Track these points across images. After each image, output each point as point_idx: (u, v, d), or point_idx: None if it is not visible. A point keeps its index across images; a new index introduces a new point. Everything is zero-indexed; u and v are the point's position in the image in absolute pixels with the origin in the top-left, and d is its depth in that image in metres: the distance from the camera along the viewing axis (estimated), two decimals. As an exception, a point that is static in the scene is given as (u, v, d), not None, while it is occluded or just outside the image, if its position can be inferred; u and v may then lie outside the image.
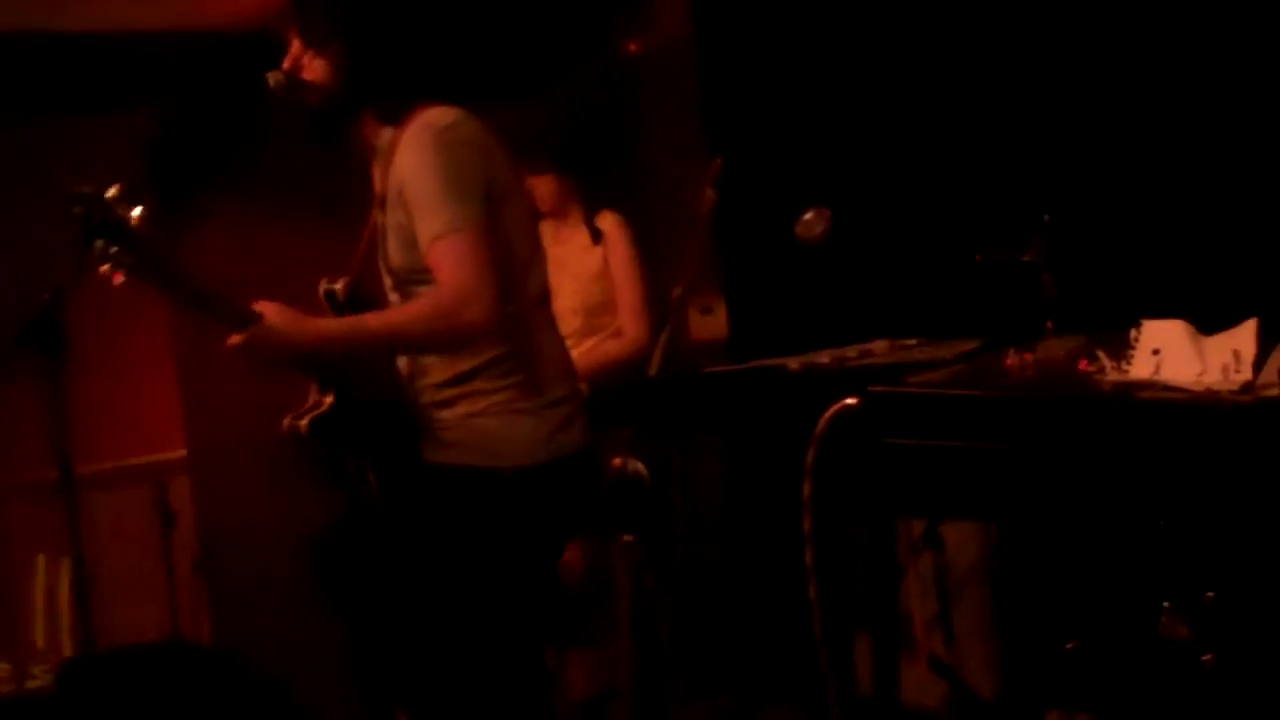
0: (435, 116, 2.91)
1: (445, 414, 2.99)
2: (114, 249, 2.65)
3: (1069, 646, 3.10)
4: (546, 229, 4.79)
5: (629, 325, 4.61)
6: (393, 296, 3.04)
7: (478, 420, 2.96)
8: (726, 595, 4.26)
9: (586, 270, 4.66)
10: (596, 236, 4.60)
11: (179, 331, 5.37)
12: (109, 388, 5.11)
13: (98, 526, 5.00)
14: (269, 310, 2.83)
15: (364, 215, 3.30)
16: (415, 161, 2.87)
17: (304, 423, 2.95)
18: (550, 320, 3.09)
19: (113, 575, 5.05)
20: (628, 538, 3.47)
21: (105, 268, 2.67)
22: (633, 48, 5.33)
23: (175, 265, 2.76)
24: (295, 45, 2.96)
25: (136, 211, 2.66)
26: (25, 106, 4.99)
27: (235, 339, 2.83)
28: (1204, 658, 2.32)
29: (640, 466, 3.64)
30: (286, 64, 2.96)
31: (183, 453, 5.43)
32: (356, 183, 3.45)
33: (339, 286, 3.05)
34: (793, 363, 3.16)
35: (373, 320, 2.95)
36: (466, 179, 2.86)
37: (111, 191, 2.66)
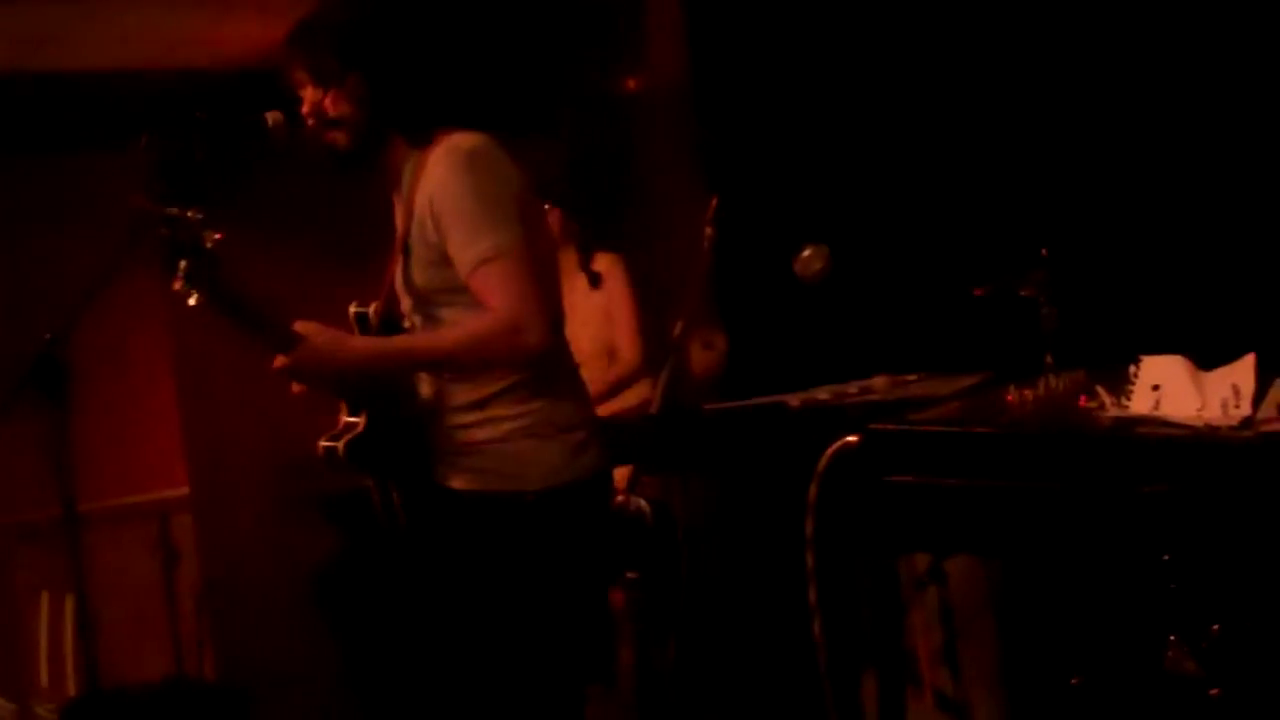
0: (462, 140, 2.93)
1: (467, 439, 2.99)
2: (195, 271, 2.71)
3: (1074, 681, 3.09)
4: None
5: (623, 347, 4.65)
6: (415, 317, 3.04)
7: (500, 445, 2.97)
8: (730, 632, 4.24)
9: (596, 315, 4.69)
10: (595, 280, 4.62)
11: (181, 370, 5.39)
12: (111, 426, 5.12)
13: (101, 564, 5.00)
14: (310, 330, 2.87)
15: (367, 244, 3.32)
16: (449, 182, 2.88)
17: (342, 444, 2.96)
18: (566, 345, 3.10)
19: (116, 613, 5.04)
20: (631, 574, 3.48)
21: (181, 287, 2.73)
22: (630, 86, 5.35)
23: (238, 288, 2.79)
24: (309, 90, 2.97)
25: (215, 236, 2.74)
26: (20, 146, 5.02)
27: (281, 360, 2.86)
28: (1211, 691, 2.32)
29: (643, 503, 3.65)
30: (306, 109, 2.96)
31: (185, 490, 5.43)
32: (356, 214, 3.47)
33: (370, 309, 3.06)
34: (793, 399, 3.16)
35: (423, 340, 2.97)
36: (504, 201, 2.88)
37: (196, 214, 2.73)
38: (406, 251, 2.98)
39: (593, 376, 4.66)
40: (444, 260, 2.90)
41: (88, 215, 4.78)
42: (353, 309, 3.05)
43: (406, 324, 3.06)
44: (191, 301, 2.74)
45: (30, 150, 5.05)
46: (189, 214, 2.75)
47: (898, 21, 4.23)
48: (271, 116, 2.97)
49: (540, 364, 2.95)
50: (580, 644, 3.09)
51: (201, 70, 5.14)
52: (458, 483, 3.00)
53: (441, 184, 2.89)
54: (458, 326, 2.93)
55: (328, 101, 2.95)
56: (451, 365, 2.97)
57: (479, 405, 2.98)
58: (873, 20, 4.30)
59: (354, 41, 2.96)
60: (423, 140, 2.99)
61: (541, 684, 3.00)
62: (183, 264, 2.71)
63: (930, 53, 4.13)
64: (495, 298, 2.84)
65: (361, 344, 2.97)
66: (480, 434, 2.98)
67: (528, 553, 2.95)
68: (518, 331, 2.83)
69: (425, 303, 2.99)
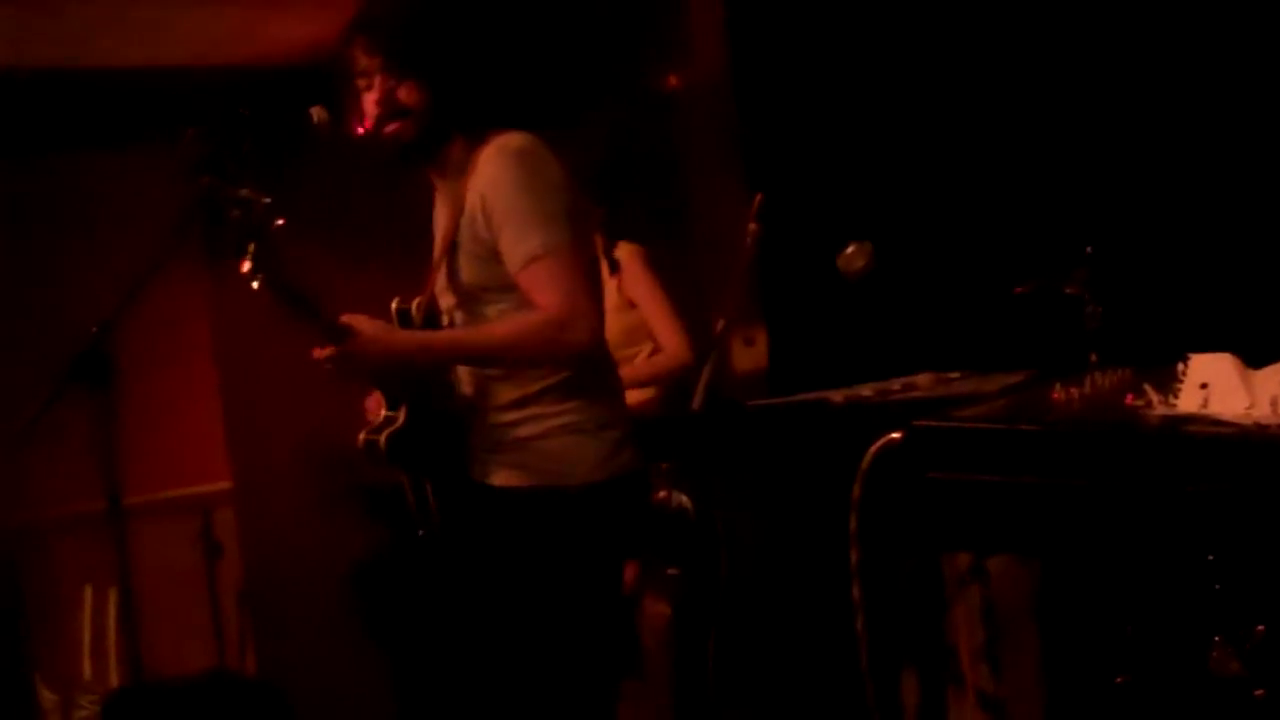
0: (512, 139, 2.95)
1: (509, 435, 3.00)
2: (262, 254, 2.74)
3: (1118, 681, 3.07)
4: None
5: (668, 341, 4.62)
6: (457, 314, 3.04)
7: (542, 442, 2.98)
8: (771, 629, 4.23)
9: (612, 303, 4.68)
10: (614, 267, 4.62)
11: (224, 364, 5.41)
12: (155, 420, 5.14)
13: (144, 558, 5.01)
14: (357, 322, 2.89)
15: (406, 241, 3.33)
16: (501, 180, 2.90)
17: (383, 438, 2.97)
18: (605, 343, 3.11)
19: (159, 606, 5.07)
20: (672, 570, 3.48)
21: (249, 269, 2.74)
22: (673, 82, 5.35)
23: (292, 276, 2.81)
24: (379, 78, 2.97)
25: (279, 221, 2.78)
26: (64, 143, 5.05)
27: (327, 350, 2.87)
28: (1256, 692, 2.30)
29: (685, 500, 3.64)
30: (375, 96, 2.97)
31: (228, 484, 5.46)
32: (397, 210, 3.48)
33: (413, 305, 3.08)
34: (836, 396, 3.15)
35: (472, 334, 3.00)
36: (554, 200, 2.91)
37: (264, 198, 2.76)
38: (454, 248, 2.99)
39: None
40: (494, 257, 2.91)
41: (132, 211, 4.82)
42: (395, 304, 3.07)
43: (446, 320, 3.08)
44: (255, 285, 2.76)
45: (75, 147, 5.08)
46: (259, 197, 2.78)
47: (940, 17, 4.21)
48: (316, 112, 2.98)
49: (582, 362, 2.96)
50: (616, 637, 3.10)
51: (246, 66, 5.16)
52: (499, 479, 3.00)
53: (494, 182, 2.90)
54: (506, 321, 2.94)
55: (401, 91, 2.96)
56: (499, 359, 2.99)
57: (521, 403, 2.99)
58: (915, 16, 4.29)
59: (426, 35, 2.98)
60: (477, 138, 3.00)
61: (581, 677, 3.02)
62: (251, 246, 2.74)
63: (973, 48, 4.11)
64: (544, 295, 2.86)
65: (409, 336, 2.99)
66: (523, 431, 2.98)
67: (568, 547, 2.97)
68: (565, 328, 2.85)
69: (471, 299, 3.00)
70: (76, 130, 5.04)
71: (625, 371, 4.65)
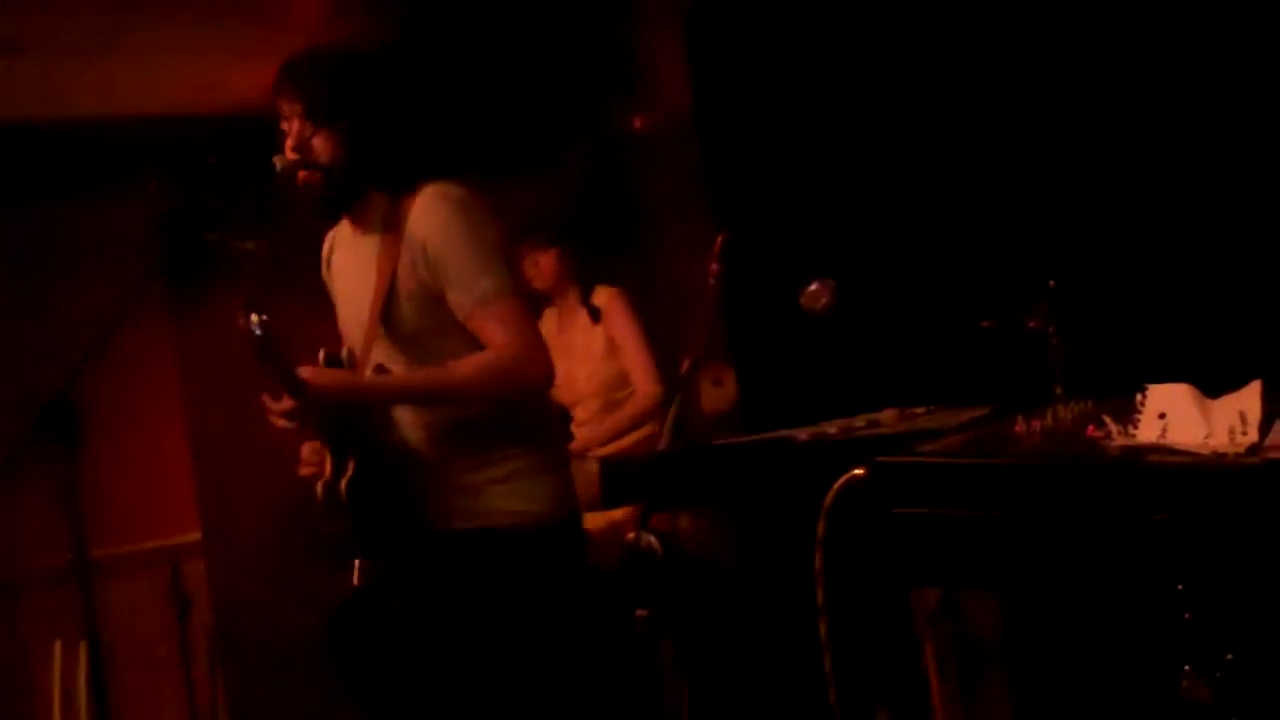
0: (452, 190, 2.98)
1: (463, 481, 3.01)
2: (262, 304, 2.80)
3: (1089, 713, 3.08)
4: (550, 318, 4.86)
5: (640, 382, 4.66)
6: (397, 360, 3.04)
7: (498, 486, 2.99)
8: (743, 669, 4.23)
9: (594, 352, 4.71)
10: (595, 315, 4.64)
11: (193, 415, 5.40)
12: (122, 472, 5.12)
13: (114, 611, 4.99)
14: (310, 374, 2.90)
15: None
16: (445, 228, 2.94)
17: (342, 484, 2.96)
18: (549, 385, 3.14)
19: (130, 659, 5.04)
20: (642, 612, 3.45)
21: (257, 321, 2.79)
22: (637, 124, 5.37)
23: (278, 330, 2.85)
24: (297, 124, 2.99)
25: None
26: (31, 195, 5.05)
27: (285, 404, 2.88)
28: (1227, 721, 2.30)
29: (654, 540, 3.63)
30: (291, 142, 2.98)
31: (197, 536, 5.43)
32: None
33: (343, 353, 3.08)
34: (801, 434, 3.15)
35: (435, 374, 3.00)
36: (496, 246, 2.98)
37: (260, 246, 2.80)
38: (391, 296, 2.99)
39: (588, 413, 4.69)
40: (439, 302, 2.94)
41: (97, 263, 4.82)
42: (323, 353, 3.07)
43: (373, 368, 3.05)
44: (259, 334, 2.78)
45: (41, 199, 5.08)
46: (263, 247, 2.82)
47: (901, 55, 4.24)
48: (279, 160, 2.99)
49: (530, 408, 3.02)
50: (608, 676, 3.11)
51: (213, 115, 5.18)
52: (459, 523, 3.00)
53: (437, 229, 2.93)
54: (467, 361, 2.95)
55: (316, 140, 2.98)
56: (463, 399, 3.00)
57: (474, 448, 3.00)
58: (875, 54, 4.32)
59: (352, 87, 2.99)
60: (403, 190, 3.02)
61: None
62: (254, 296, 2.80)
63: (934, 86, 4.14)
64: (499, 334, 2.90)
65: (375, 381, 3.00)
66: (478, 476, 3.00)
67: (530, 585, 2.97)
68: (525, 364, 2.92)
69: (415, 344, 3.01)
70: (42, 181, 5.05)
71: (608, 422, 4.67)
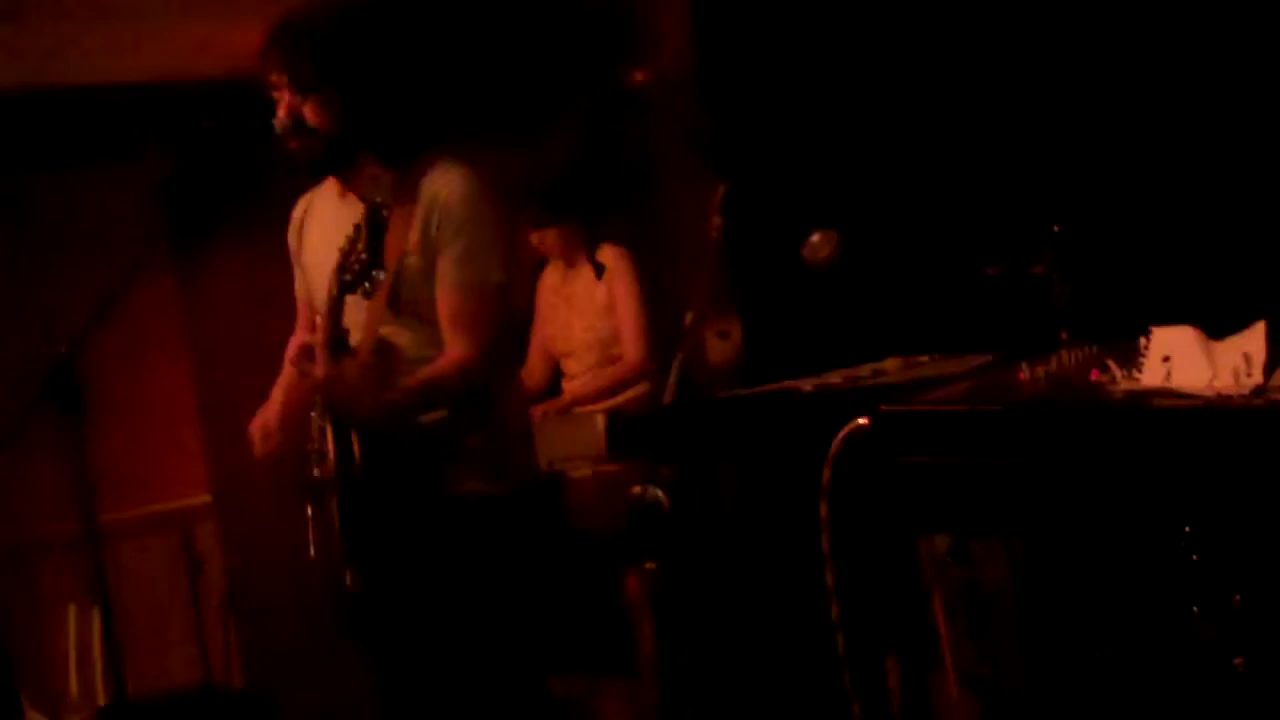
0: (464, 166, 2.97)
1: (463, 444, 3.02)
2: None
3: (1099, 655, 3.09)
4: (557, 270, 4.86)
5: (628, 348, 4.68)
6: (399, 336, 3.04)
7: (483, 450, 3.00)
8: (751, 619, 4.25)
9: (595, 305, 4.72)
10: (600, 271, 4.65)
11: (200, 376, 5.40)
12: (131, 435, 5.14)
13: (126, 575, 5.03)
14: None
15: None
16: (462, 200, 2.96)
17: (356, 452, 2.96)
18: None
19: (143, 622, 5.08)
20: (649, 565, 3.46)
21: None
22: (638, 77, 5.35)
23: None
24: (286, 94, 2.97)
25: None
26: (30, 162, 5.04)
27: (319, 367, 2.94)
28: (1235, 661, 2.31)
29: (659, 493, 3.64)
30: (282, 112, 2.96)
31: (207, 498, 5.45)
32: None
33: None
34: (805, 384, 3.15)
35: (411, 385, 3.03)
36: (501, 236, 3.02)
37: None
38: (401, 271, 2.98)
39: (582, 367, 4.71)
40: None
41: (100, 229, 4.82)
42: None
43: (363, 338, 3.04)
44: None
45: (40, 166, 5.07)
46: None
47: (902, 1, 4.22)
48: (279, 123, 2.98)
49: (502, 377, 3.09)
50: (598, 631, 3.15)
51: (209, 79, 5.16)
52: (462, 487, 3.01)
53: (461, 201, 2.92)
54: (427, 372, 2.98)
55: (305, 109, 2.96)
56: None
57: (466, 411, 3.00)
58: (877, 1, 4.30)
59: (335, 52, 2.96)
60: (402, 162, 3.00)
61: (566, 668, 3.06)
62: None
63: (935, 31, 4.12)
64: (456, 343, 2.98)
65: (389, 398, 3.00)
66: (478, 438, 3.00)
67: (536, 543, 2.99)
68: (465, 378, 2.99)
69: (418, 320, 3.01)
70: (41, 149, 5.04)
71: (587, 382, 4.69)
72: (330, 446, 2.97)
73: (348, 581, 2.99)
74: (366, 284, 2.84)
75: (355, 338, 2.98)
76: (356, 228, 2.84)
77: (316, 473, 2.96)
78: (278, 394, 3.14)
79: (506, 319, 3.09)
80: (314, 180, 3.08)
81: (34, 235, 5.13)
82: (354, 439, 2.95)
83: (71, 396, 2.99)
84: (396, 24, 3.11)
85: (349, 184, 3.06)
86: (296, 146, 2.98)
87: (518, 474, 3.05)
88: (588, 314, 4.75)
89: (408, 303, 2.99)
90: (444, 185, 2.94)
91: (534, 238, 4.78)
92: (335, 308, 2.88)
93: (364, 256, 2.81)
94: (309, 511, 3.00)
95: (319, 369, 2.85)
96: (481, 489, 3.00)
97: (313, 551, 3.00)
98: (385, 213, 2.86)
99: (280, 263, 3.35)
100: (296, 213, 3.23)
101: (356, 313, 3.01)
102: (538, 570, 3.04)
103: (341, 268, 2.83)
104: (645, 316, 4.68)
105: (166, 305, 5.27)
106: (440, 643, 3.04)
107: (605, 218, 4.91)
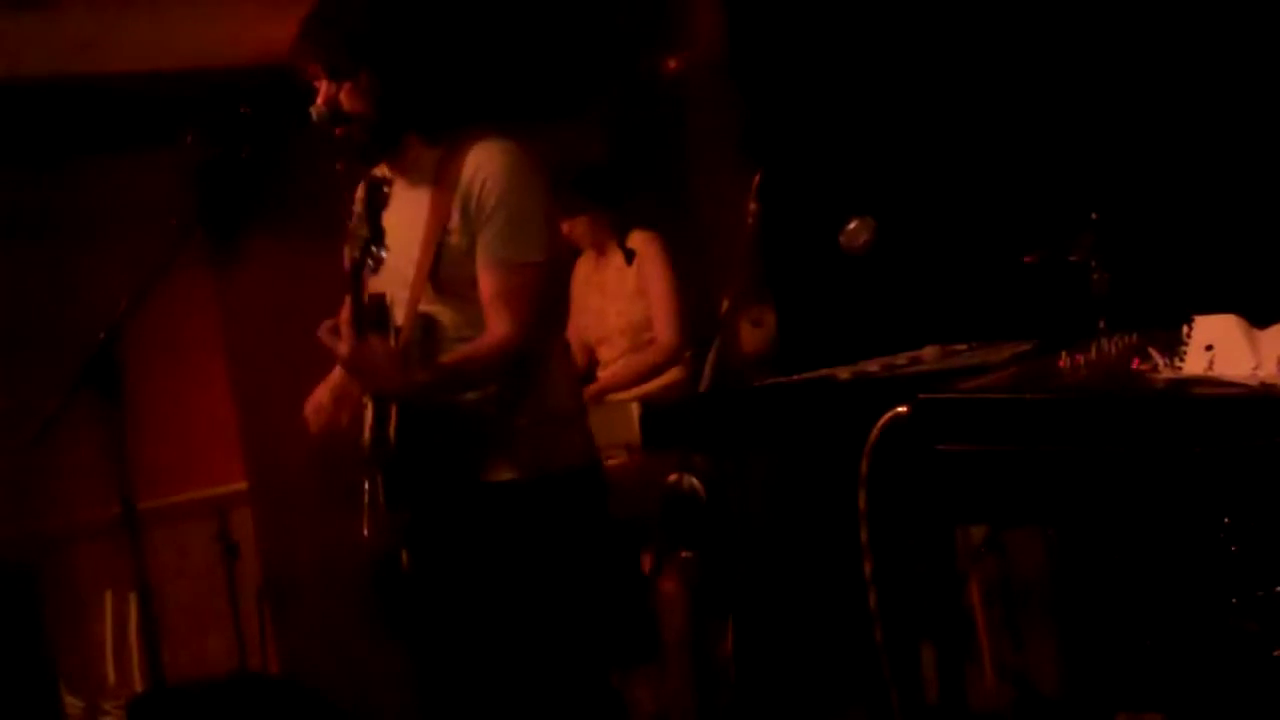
0: (505, 142, 2.96)
1: (497, 429, 3.01)
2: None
3: (1137, 646, 3.07)
4: (589, 260, 4.87)
5: (660, 332, 4.67)
6: (442, 314, 3.03)
7: (526, 433, 2.99)
8: (788, 609, 4.24)
9: (626, 290, 4.72)
10: (630, 257, 4.64)
11: (236, 363, 5.42)
12: (168, 423, 5.16)
13: (162, 561, 5.06)
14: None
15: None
16: (503, 173, 2.93)
17: (391, 431, 2.95)
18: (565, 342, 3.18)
19: (179, 609, 5.10)
20: (686, 554, 3.48)
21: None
22: (673, 64, 5.34)
23: None
24: (323, 83, 2.97)
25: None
26: (67, 150, 5.07)
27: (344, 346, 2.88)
28: (1275, 652, 2.29)
29: (695, 482, 3.64)
30: (320, 100, 2.96)
31: (243, 484, 5.47)
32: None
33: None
34: (843, 372, 3.15)
35: (444, 368, 2.99)
36: (544, 208, 2.97)
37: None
38: (442, 248, 2.98)
39: (616, 353, 4.71)
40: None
41: (136, 214, 4.83)
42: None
43: (407, 316, 3.02)
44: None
45: (77, 154, 5.10)
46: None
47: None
48: (316, 110, 2.98)
49: (545, 358, 3.03)
50: (627, 619, 3.13)
51: (246, 67, 5.17)
52: (501, 473, 3.01)
53: (501, 174, 2.91)
54: (468, 351, 2.97)
55: (342, 96, 2.96)
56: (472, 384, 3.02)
57: (507, 398, 2.99)
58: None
59: (366, 37, 2.96)
60: (444, 139, 3.00)
61: (594, 659, 3.04)
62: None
63: (974, 18, 4.10)
64: (497, 319, 2.92)
65: (414, 384, 2.96)
66: (508, 424, 2.99)
67: (563, 532, 2.99)
68: (510, 358, 2.93)
69: (460, 298, 3.00)
70: (77, 138, 5.06)
71: (630, 365, 4.69)
72: (368, 425, 2.98)
73: (403, 562, 2.99)
74: (369, 260, 2.82)
75: (399, 315, 2.99)
76: (359, 203, 2.84)
77: (364, 452, 2.97)
78: (336, 373, 3.15)
79: (552, 297, 3.04)
80: (367, 166, 3.07)
81: (71, 223, 5.15)
82: (392, 417, 2.95)
83: (110, 383, 3.00)
84: (426, 4, 3.10)
85: (397, 167, 3.05)
86: (341, 134, 2.98)
87: (564, 456, 3.02)
88: (619, 299, 4.75)
89: (448, 280, 2.99)
90: (486, 159, 2.94)
91: (564, 227, 4.78)
92: (356, 285, 2.87)
93: (364, 233, 2.80)
94: (365, 489, 2.99)
95: (343, 346, 2.83)
96: (522, 473, 2.99)
97: (365, 531, 2.99)
98: (386, 189, 2.84)
99: (315, 250, 3.35)
100: (359, 196, 3.25)
101: (399, 289, 3.03)
102: (585, 557, 3.02)
103: (350, 245, 2.83)
104: (677, 300, 4.67)
105: (203, 293, 5.29)
106: (482, 632, 3.03)
107: (635, 204, 4.90)
